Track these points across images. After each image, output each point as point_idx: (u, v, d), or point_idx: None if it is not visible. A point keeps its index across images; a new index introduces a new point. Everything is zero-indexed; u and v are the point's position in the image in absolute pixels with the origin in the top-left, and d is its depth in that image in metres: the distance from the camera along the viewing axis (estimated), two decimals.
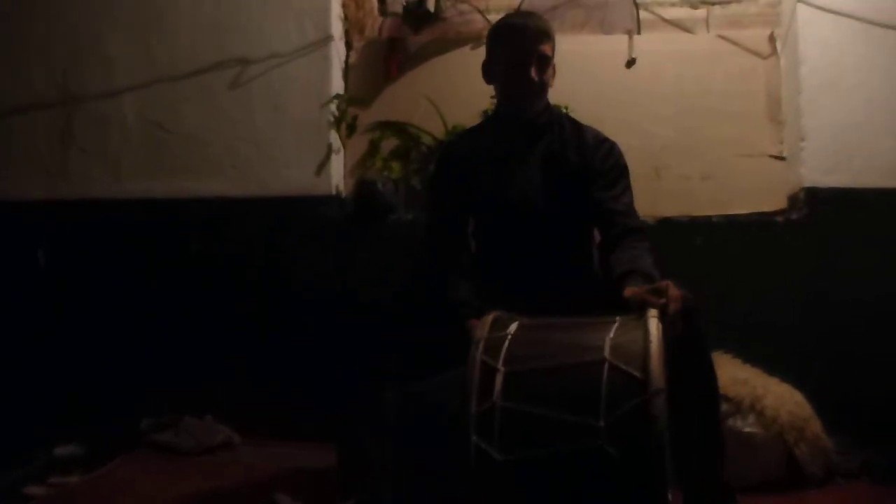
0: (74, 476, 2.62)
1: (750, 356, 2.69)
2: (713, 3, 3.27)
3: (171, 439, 2.84)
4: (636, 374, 1.44)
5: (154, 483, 2.53)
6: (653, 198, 3.05)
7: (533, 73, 2.07)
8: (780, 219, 2.98)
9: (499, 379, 1.48)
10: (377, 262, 3.01)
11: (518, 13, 2.58)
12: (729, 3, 3.27)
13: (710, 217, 3.01)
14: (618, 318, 1.63)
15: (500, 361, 1.51)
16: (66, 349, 3.11)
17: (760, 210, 3.02)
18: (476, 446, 1.42)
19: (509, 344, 1.56)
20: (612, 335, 1.54)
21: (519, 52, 2.09)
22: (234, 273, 3.11)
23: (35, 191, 3.22)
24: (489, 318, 1.64)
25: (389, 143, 3.21)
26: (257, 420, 2.95)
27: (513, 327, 1.62)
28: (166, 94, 3.18)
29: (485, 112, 3.00)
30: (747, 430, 2.37)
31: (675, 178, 3.11)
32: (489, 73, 2.20)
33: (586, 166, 2.16)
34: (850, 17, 2.96)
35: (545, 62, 2.11)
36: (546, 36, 2.11)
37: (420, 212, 3.06)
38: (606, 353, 1.49)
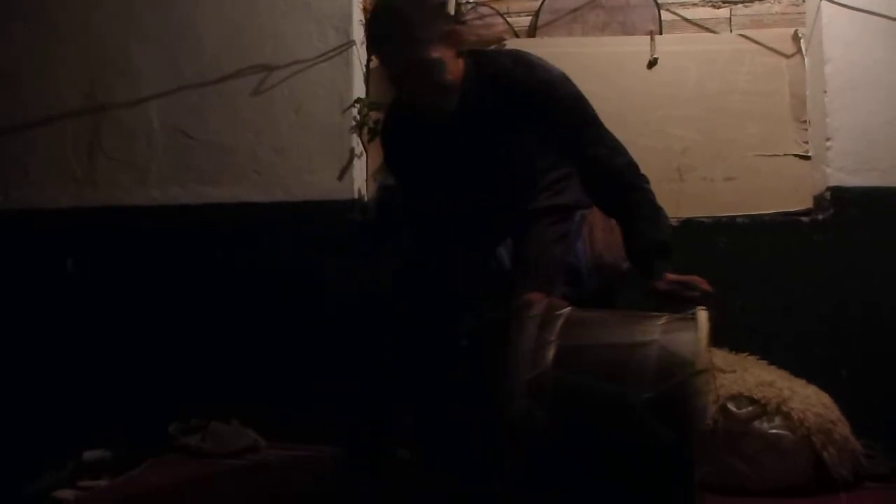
0: (103, 480, 2.65)
1: (776, 358, 2.68)
2: (735, 3, 3.25)
3: (198, 443, 2.86)
4: (686, 355, 1.52)
5: (181, 486, 2.55)
6: (676, 199, 3.04)
7: (414, 84, 1.88)
8: (805, 219, 2.95)
9: (552, 350, 1.56)
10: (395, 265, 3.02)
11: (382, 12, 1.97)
12: (752, 2, 3.25)
13: (734, 218, 2.99)
14: (665, 314, 1.68)
15: (554, 335, 1.57)
16: (94, 355, 3.15)
17: (785, 210, 2.99)
18: (526, 410, 1.48)
19: (563, 322, 1.63)
20: (662, 323, 1.62)
21: (391, 64, 1.89)
22: (257, 278, 3.13)
23: (63, 199, 3.26)
24: (544, 301, 1.70)
25: None
26: (282, 424, 2.97)
27: (566, 310, 1.68)
28: (191, 102, 3.21)
29: None
30: (773, 431, 2.35)
31: (698, 179, 3.09)
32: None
33: (524, 125, 1.99)
34: (875, 14, 2.92)
35: (423, 67, 1.85)
36: (412, 40, 1.83)
37: None
38: (657, 335, 1.57)
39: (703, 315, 1.60)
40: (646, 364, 1.52)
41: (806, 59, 3.08)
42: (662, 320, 1.62)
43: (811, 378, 2.59)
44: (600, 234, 2.82)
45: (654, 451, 1.46)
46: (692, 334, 1.56)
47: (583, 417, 1.51)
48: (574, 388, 1.52)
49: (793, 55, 3.10)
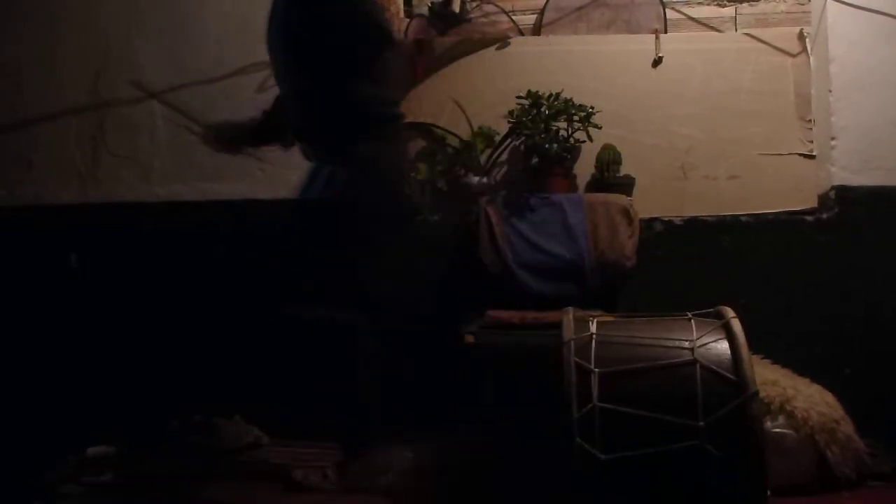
0: (107, 476, 2.66)
1: (779, 357, 2.67)
2: (741, 2, 3.24)
3: (201, 440, 2.86)
4: (729, 376, 1.48)
5: (184, 483, 2.55)
6: (680, 198, 3.04)
7: None
8: (809, 218, 2.95)
9: (594, 381, 1.52)
10: (402, 263, 3.02)
11: None
12: (757, 1, 3.24)
13: (738, 217, 2.98)
14: (689, 315, 1.66)
15: (592, 363, 1.55)
16: (97, 351, 3.15)
17: (789, 210, 2.99)
18: (580, 447, 1.46)
19: (596, 344, 1.59)
20: (694, 335, 1.57)
21: None
22: (261, 275, 3.13)
23: (67, 195, 3.26)
24: (570, 317, 1.67)
25: (415, 145, 3.22)
26: (285, 421, 2.97)
27: (593, 326, 1.66)
28: (195, 99, 3.20)
29: (510, 112, 3.00)
30: (777, 430, 2.35)
31: (702, 178, 3.07)
32: None
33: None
34: (880, 13, 2.92)
35: None
36: None
37: (446, 213, 3.08)
38: (695, 354, 1.52)
39: (737, 324, 1.58)
40: (692, 390, 1.49)
41: (811, 58, 3.07)
42: (693, 331, 1.59)
43: (814, 377, 2.59)
44: (604, 232, 2.83)
45: (715, 481, 1.44)
46: (727, 349, 1.54)
47: (639, 452, 1.47)
48: (625, 421, 1.50)
49: (798, 54, 3.09)
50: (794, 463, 2.35)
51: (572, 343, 1.59)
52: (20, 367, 3.14)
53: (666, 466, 1.47)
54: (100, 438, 2.85)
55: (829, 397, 2.50)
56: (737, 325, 1.58)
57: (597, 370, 1.55)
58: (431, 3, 3.36)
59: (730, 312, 1.65)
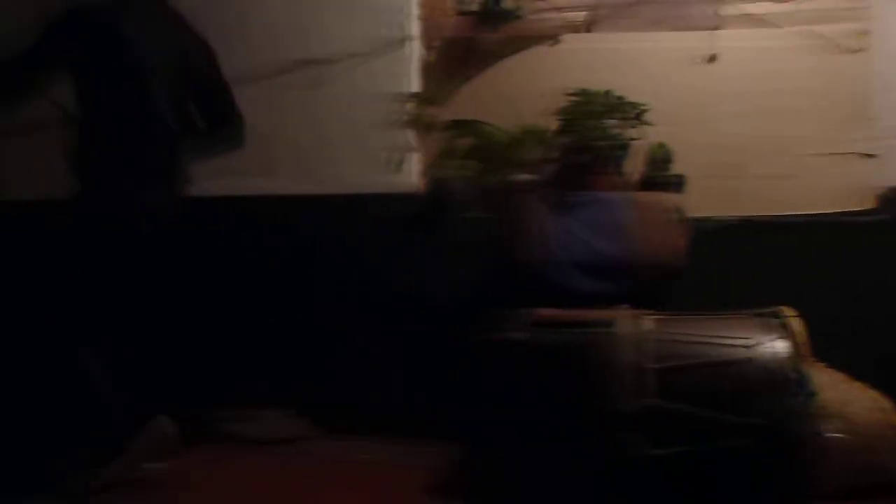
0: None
1: (835, 361, 2.61)
2: None
3: (246, 431, 2.89)
4: (786, 375, 1.46)
5: (228, 473, 2.59)
6: (733, 197, 3.00)
7: None
8: (868, 218, 2.88)
9: (648, 377, 1.51)
10: (450, 260, 3.03)
11: None
12: None
13: (793, 217, 2.93)
14: (746, 313, 1.64)
15: (647, 359, 1.55)
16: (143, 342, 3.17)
17: (847, 210, 2.92)
18: (632, 441, 1.46)
19: (651, 341, 1.59)
20: (751, 334, 1.56)
21: None
22: (309, 270, 3.15)
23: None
24: (625, 314, 1.67)
25: (465, 142, 3.22)
26: (331, 415, 2.99)
27: (648, 323, 1.66)
28: (244, 96, 3.22)
29: (560, 109, 2.98)
30: (832, 435, 2.30)
31: (756, 177, 3.03)
32: None
33: None
34: None
35: None
36: None
37: (494, 210, 3.08)
38: (751, 353, 1.51)
39: (795, 324, 1.56)
40: (748, 387, 1.48)
41: (871, 56, 3.00)
42: (749, 330, 1.58)
43: (870, 381, 2.53)
44: (654, 231, 2.80)
45: (773, 480, 1.42)
46: (788, 347, 1.51)
47: (691, 446, 1.46)
48: (681, 418, 1.49)
49: (857, 51, 3.02)
50: (849, 468, 2.30)
51: (627, 339, 1.59)
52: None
53: (716, 464, 1.45)
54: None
55: (886, 403, 2.44)
56: (795, 325, 1.55)
57: (651, 366, 1.54)
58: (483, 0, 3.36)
59: (788, 312, 1.62)
